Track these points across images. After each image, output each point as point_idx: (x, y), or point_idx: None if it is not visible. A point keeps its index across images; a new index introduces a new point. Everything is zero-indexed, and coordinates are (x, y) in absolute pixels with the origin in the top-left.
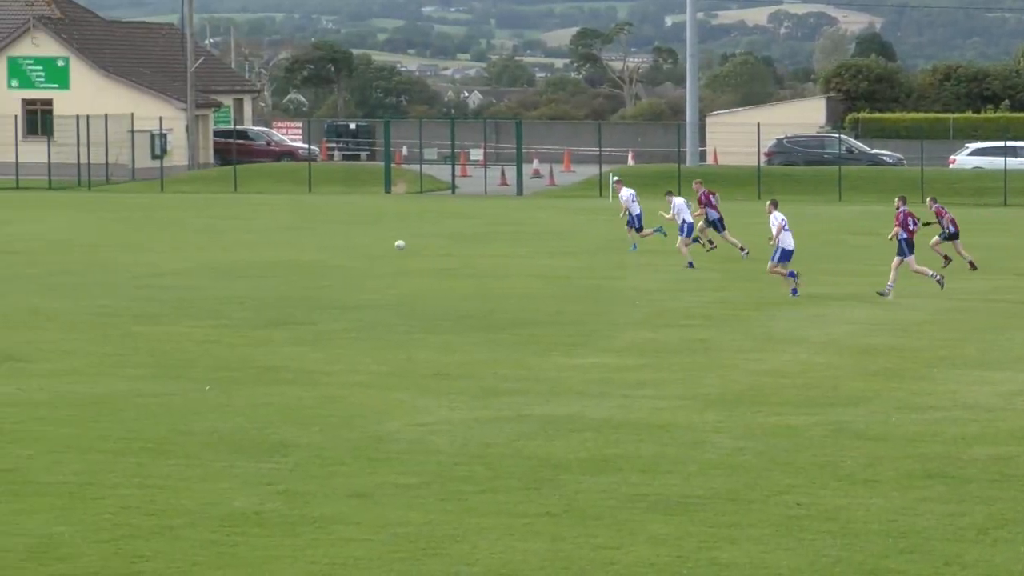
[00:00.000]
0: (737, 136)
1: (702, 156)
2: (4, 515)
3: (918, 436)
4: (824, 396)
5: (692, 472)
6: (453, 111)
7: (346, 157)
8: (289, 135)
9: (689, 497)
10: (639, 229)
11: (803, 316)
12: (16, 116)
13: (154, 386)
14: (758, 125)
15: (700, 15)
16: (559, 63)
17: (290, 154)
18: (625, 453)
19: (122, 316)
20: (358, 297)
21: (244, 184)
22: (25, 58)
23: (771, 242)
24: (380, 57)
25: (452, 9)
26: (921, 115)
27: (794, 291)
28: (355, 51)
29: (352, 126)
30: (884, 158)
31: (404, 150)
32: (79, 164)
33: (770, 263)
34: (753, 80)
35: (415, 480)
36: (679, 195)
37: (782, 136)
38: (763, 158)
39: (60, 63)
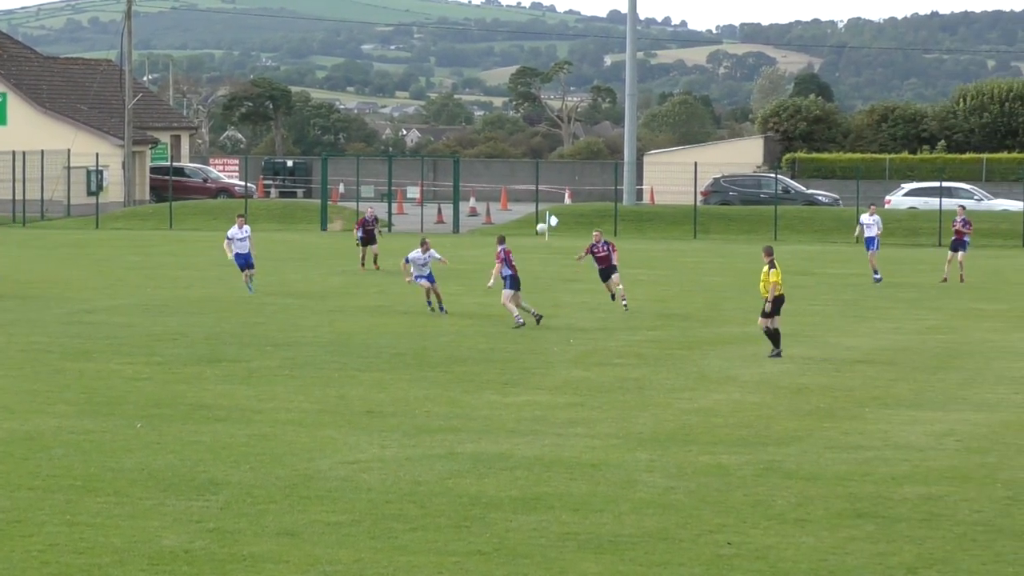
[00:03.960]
0: (674, 175)
1: (639, 195)
2: None
3: (849, 475)
4: (756, 435)
5: (623, 511)
6: (391, 149)
7: (283, 194)
8: (226, 172)
9: (620, 536)
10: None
11: (736, 355)
12: None
13: (84, 423)
14: (695, 164)
15: (640, 55)
16: (498, 101)
17: (227, 191)
18: (556, 491)
19: (53, 352)
20: (291, 334)
21: (180, 221)
22: None
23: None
24: (319, 94)
25: (392, 47)
26: (858, 155)
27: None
28: (294, 88)
29: (289, 163)
30: (820, 198)
31: (341, 187)
32: (14, 200)
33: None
34: (691, 119)
35: (345, 518)
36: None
37: (719, 175)
38: (700, 197)
39: None
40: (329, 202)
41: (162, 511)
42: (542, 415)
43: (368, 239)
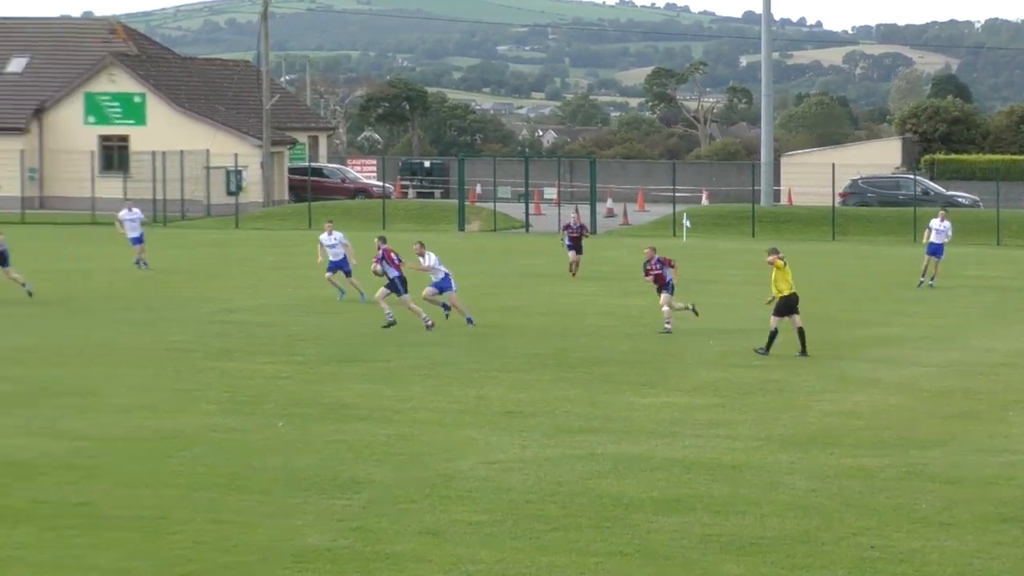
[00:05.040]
0: (812, 176)
1: (776, 196)
2: (79, 549)
3: (994, 479)
4: (898, 438)
5: (765, 513)
6: (527, 149)
7: (420, 195)
8: (364, 172)
9: (762, 538)
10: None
11: (877, 358)
12: (93, 152)
13: (227, 421)
14: (833, 165)
15: (775, 55)
16: (633, 102)
17: (364, 191)
18: (697, 493)
19: (196, 351)
20: (429, 334)
21: (318, 221)
22: (102, 94)
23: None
24: (455, 95)
25: (527, 48)
26: (997, 157)
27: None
28: (430, 89)
29: (427, 164)
30: (960, 200)
31: (478, 188)
32: (155, 200)
33: None
34: (828, 120)
35: (487, 518)
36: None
37: (857, 177)
38: (838, 199)
39: (137, 99)
40: (466, 203)
41: (305, 510)
42: (682, 416)
43: (574, 247)
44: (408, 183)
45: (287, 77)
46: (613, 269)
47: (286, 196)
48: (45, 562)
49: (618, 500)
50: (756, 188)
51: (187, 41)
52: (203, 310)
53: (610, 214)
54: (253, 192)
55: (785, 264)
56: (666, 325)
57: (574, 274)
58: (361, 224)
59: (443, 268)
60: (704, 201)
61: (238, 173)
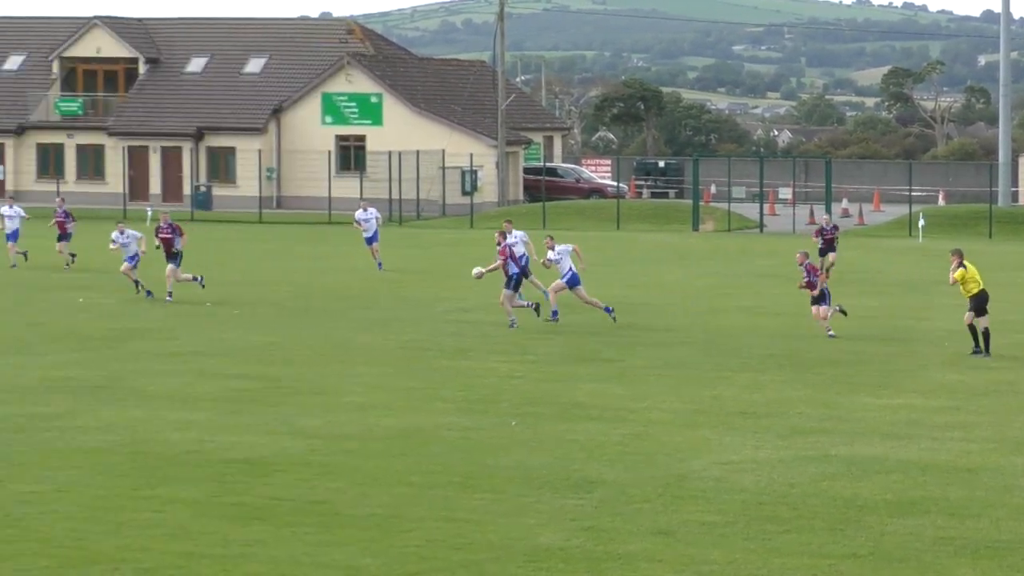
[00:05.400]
0: None
1: (1014, 197)
2: (313, 546)
3: None
4: None
5: (1001, 516)
6: (762, 149)
7: (654, 195)
8: (598, 172)
9: (998, 542)
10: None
11: None
12: (329, 151)
13: (461, 420)
14: None
15: (1014, 54)
16: (869, 102)
17: (599, 191)
18: (932, 496)
19: (430, 350)
20: (664, 334)
21: (552, 221)
22: (339, 94)
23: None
24: (690, 95)
25: (763, 48)
26: None
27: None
28: (665, 89)
29: (661, 164)
30: None
31: (712, 188)
32: (390, 199)
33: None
34: None
35: (719, 518)
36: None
37: None
38: None
39: (373, 99)
40: (700, 203)
41: (538, 509)
42: (917, 418)
43: (828, 248)
44: (642, 183)
45: (522, 77)
46: (848, 269)
47: (521, 196)
48: (280, 558)
49: (851, 502)
50: (993, 189)
51: (424, 42)
52: (437, 309)
53: (845, 214)
54: (488, 192)
55: (965, 265)
56: (829, 333)
57: (827, 275)
58: (595, 224)
59: (569, 263)
60: (940, 202)
61: (473, 173)
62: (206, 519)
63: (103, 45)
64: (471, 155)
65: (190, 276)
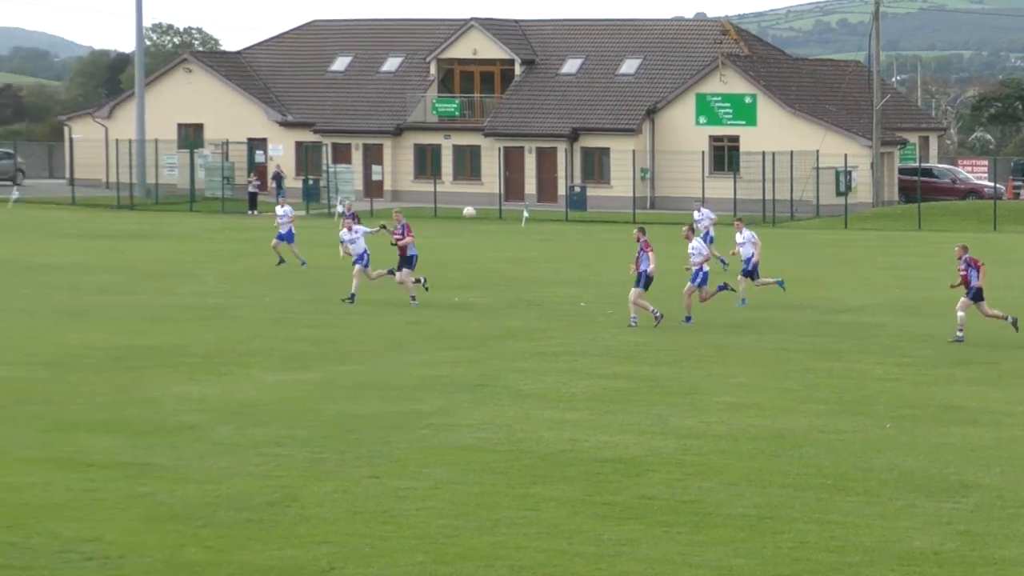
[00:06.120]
0: None
1: None
2: (685, 545)
3: None
4: None
5: None
6: None
7: None
8: (975, 173)
9: None
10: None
11: None
12: (703, 152)
13: (834, 422)
14: None
15: None
16: None
17: (975, 192)
18: None
19: (803, 351)
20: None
21: (928, 222)
22: (713, 95)
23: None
24: None
25: None
26: None
27: None
28: None
29: None
30: None
31: None
32: (763, 200)
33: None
34: None
35: None
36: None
37: None
38: None
39: (747, 100)
40: None
41: (912, 512)
42: None
43: None
44: (1020, 184)
45: (898, 77)
46: None
47: (896, 197)
48: (654, 557)
49: None
50: None
51: (798, 42)
52: (811, 310)
53: None
54: (863, 192)
55: None
56: (957, 333)
57: None
58: (973, 225)
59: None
60: None
61: (848, 173)
62: (580, 518)
63: (479, 46)
64: (845, 155)
65: (384, 271)
